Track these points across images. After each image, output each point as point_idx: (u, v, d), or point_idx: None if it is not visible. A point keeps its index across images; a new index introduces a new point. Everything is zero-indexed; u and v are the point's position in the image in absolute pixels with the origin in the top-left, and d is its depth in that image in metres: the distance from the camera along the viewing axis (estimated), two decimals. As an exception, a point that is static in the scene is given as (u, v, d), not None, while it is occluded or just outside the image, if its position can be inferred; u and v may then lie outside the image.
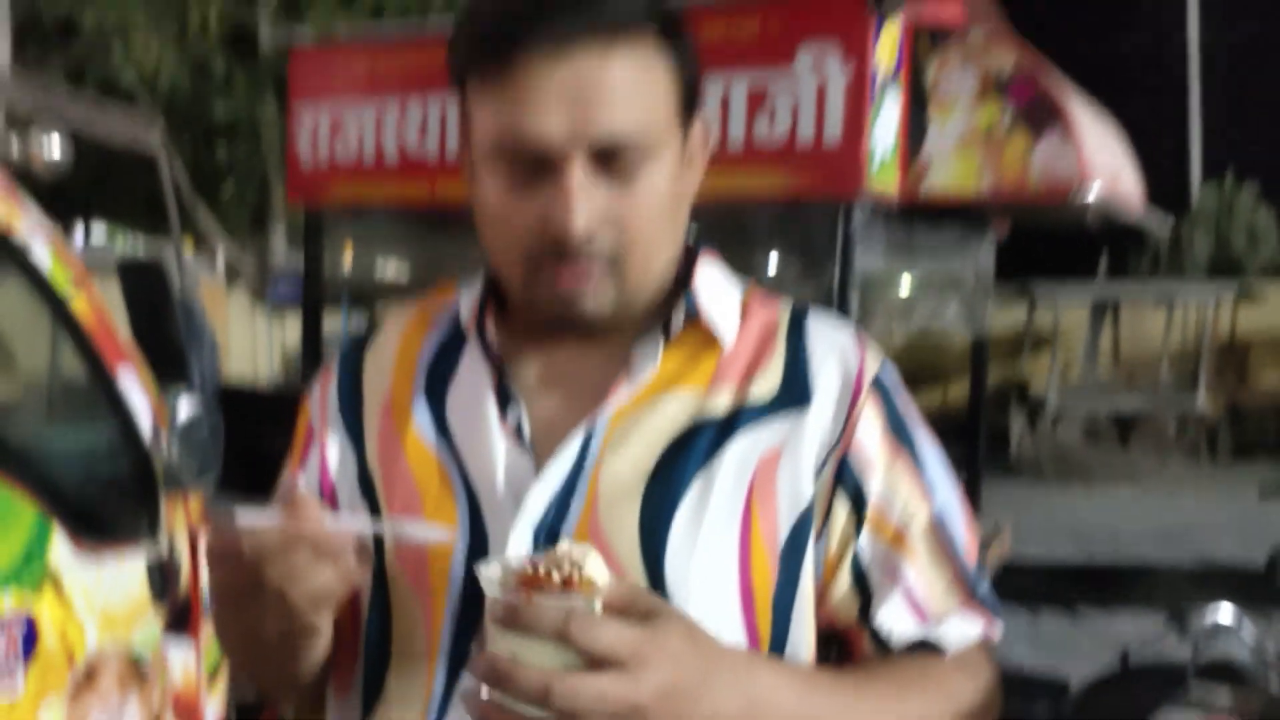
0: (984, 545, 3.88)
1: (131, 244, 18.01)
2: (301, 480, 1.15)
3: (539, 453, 1.04)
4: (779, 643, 1.03)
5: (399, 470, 1.07)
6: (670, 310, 1.06)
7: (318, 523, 0.88)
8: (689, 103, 1.03)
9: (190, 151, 15.59)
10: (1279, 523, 7.77)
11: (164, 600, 2.64)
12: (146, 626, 2.63)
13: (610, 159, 0.96)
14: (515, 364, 1.08)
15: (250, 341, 16.19)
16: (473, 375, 1.09)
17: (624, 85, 0.95)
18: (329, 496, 1.12)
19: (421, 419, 1.09)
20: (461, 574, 1.01)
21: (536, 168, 0.96)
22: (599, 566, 0.85)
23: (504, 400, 1.06)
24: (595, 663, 0.81)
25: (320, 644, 1.03)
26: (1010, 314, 14.65)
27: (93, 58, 14.86)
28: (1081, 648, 6.13)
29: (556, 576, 0.83)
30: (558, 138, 0.94)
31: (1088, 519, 10.32)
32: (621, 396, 1.04)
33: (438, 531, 0.95)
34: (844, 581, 1.05)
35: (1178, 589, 7.01)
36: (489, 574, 0.86)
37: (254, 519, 0.88)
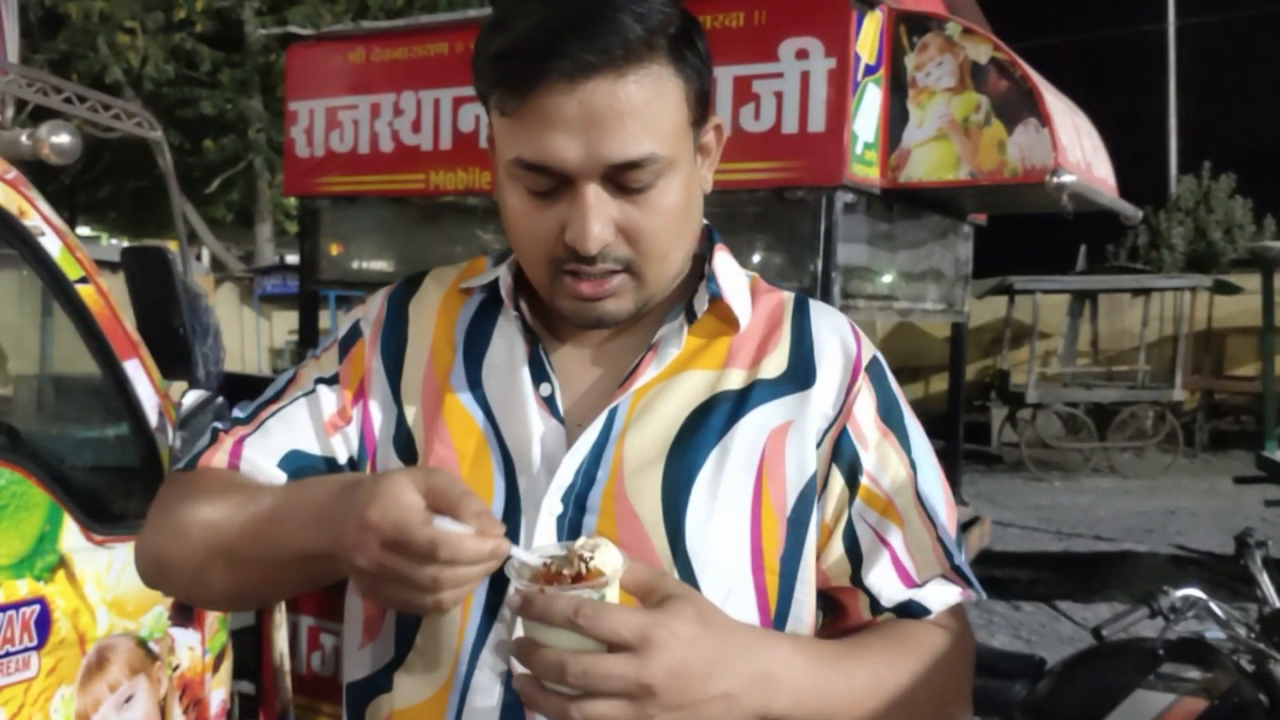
0: (963, 529, 3.96)
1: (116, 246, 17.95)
2: (329, 398, 1.18)
3: (569, 424, 1.11)
4: (785, 602, 1.11)
5: (439, 432, 1.13)
6: (690, 294, 1.14)
7: (506, 545, 0.92)
8: (702, 108, 1.08)
9: (176, 147, 15.49)
10: (1255, 510, 7.82)
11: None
12: (154, 613, 2.68)
13: (624, 177, 1.02)
14: (547, 340, 1.16)
15: (238, 336, 16.15)
16: (508, 347, 1.16)
17: (636, 110, 0.99)
18: (370, 455, 1.17)
19: (461, 385, 1.15)
20: None
21: (555, 182, 1.02)
22: (609, 557, 0.92)
23: (537, 373, 1.13)
24: (613, 646, 0.87)
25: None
26: (991, 307, 14.76)
27: (78, 51, 14.72)
28: (1061, 636, 6.21)
29: (568, 571, 0.91)
30: (573, 163, 1.00)
31: (1067, 509, 10.41)
32: (647, 374, 1.12)
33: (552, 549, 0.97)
34: (837, 547, 1.13)
35: (1155, 577, 7.08)
36: (513, 569, 0.93)
37: (452, 526, 0.90)
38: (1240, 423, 15.04)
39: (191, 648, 2.80)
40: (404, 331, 1.20)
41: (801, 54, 2.65)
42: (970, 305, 4.06)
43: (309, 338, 3.67)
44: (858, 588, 1.13)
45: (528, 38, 0.99)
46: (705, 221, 1.19)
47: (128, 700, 2.60)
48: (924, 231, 3.45)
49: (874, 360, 1.17)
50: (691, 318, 1.13)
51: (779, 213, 2.77)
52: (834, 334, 1.16)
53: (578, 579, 0.90)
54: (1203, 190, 19.57)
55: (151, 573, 1.17)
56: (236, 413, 1.23)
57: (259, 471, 1.16)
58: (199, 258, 18.84)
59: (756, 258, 2.88)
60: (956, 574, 1.14)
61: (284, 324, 16.71)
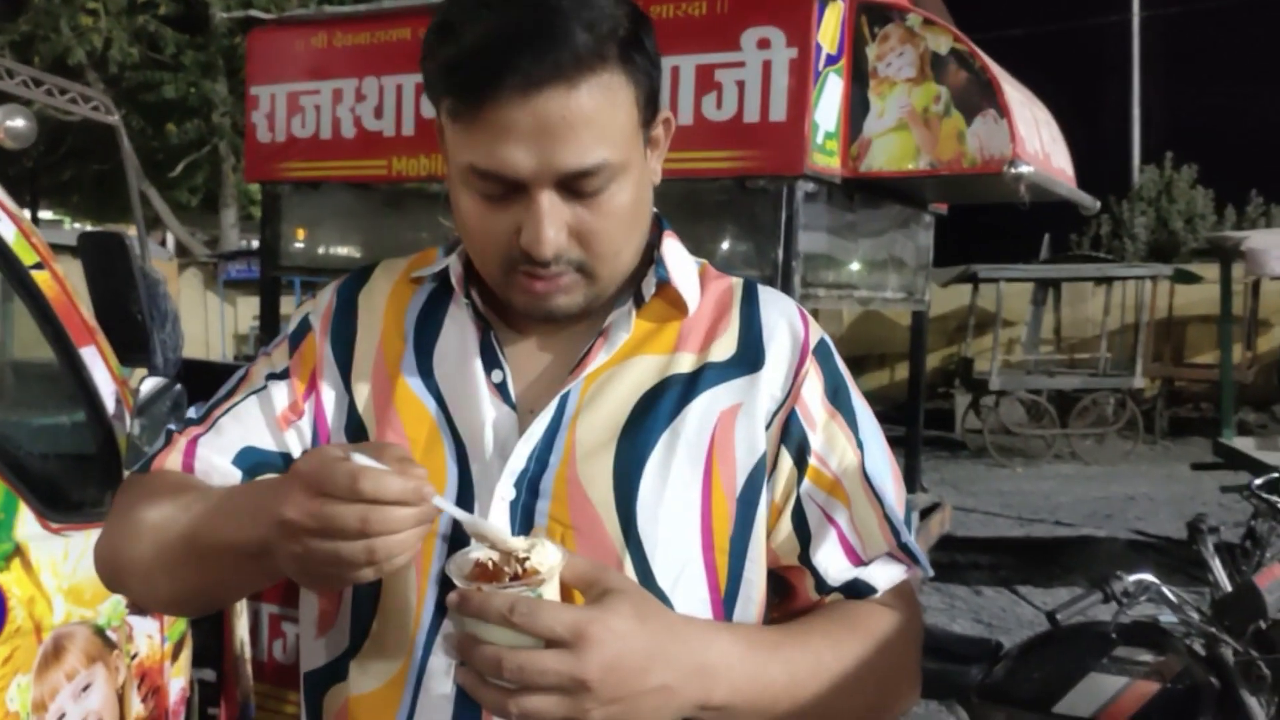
0: (924, 515, 3.99)
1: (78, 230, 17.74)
2: (280, 393, 1.18)
3: (521, 410, 1.12)
4: (734, 581, 1.13)
5: (390, 419, 1.14)
6: (640, 280, 1.16)
7: (430, 489, 0.92)
8: (652, 108, 1.09)
9: (139, 131, 15.30)
10: (1212, 496, 7.91)
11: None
12: (112, 601, 2.65)
13: (577, 184, 1.03)
14: (498, 327, 1.16)
15: (202, 322, 16.01)
16: (460, 334, 1.17)
17: (588, 120, 1.00)
18: (325, 444, 1.17)
19: (412, 373, 1.16)
20: (449, 522, 1.08)
21: (508, 188, 1.03)
22: (545, 555, 0.94)
23: (488, 360, 1.14)
24: (549, 642, 0.89)
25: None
26: (955, 295, 14.86)
27: (40, 33, 14.51)
28: (1022, 620, 6.28)
29: (507, 570, 0.93)
30: (526, 171, 1.01)
31: (1028, 495, 10.50)
32: (598, 360, 1.13)
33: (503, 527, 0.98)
34: (786, 526, 1.14)
35: (1114, 562, 7.17)
36: (453, 567, 0.95)
37: (372, 462, 0.90)
38: (1199, 410, 15.23)
39: (150, 636, 2.78)
40: (354, 322, 1.21)
41: (763, 43, 2.66)
42: (933, 293, 4.08)
43: (270, 324, 3.65)
44: (805, 567, 1.14)
45: (478, 49, 0.99)
46: (655, 210, 1.20)
47: (85, 689, 2.58)
48: (885, 221, 3.46)
49: (821, 342, 1.19)
50: (640, 302, 1.15)
51: (740, 202, 2.78)
52: (782, 317, 1.18)
53: (515, 578, 0.92)
54: (1165, 180, 19.77)
55: (108, 577, 1.18)
56: (190, 413, 1.23)
57: (214, 470, 1.16)
58: (163, 243, 18.67)
59: (721, 246, 2.88)
60: (904, 551, 1.16)
61: (249, 310, 16.59)
